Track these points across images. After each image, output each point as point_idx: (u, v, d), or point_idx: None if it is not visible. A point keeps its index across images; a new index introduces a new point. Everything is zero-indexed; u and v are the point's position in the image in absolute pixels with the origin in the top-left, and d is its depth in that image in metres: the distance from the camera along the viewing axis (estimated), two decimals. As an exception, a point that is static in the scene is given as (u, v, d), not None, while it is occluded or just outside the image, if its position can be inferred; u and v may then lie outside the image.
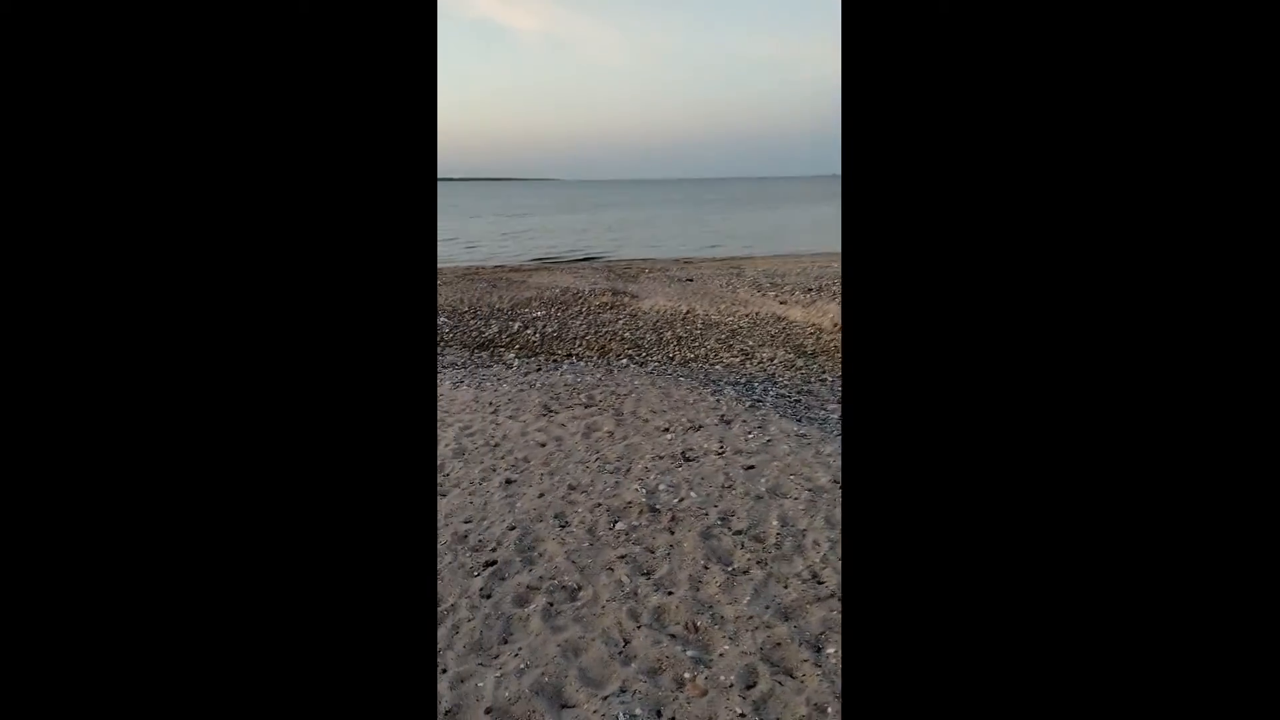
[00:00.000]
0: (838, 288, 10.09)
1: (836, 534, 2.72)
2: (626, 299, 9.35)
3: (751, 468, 3.36)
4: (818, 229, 25.01)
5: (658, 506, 2.94)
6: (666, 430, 3.93)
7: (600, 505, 2.96)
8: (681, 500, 2.99)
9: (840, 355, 8.06)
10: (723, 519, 2.84)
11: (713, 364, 7.14)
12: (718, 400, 4.62)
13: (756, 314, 9.19)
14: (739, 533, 2.72)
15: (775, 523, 2.80)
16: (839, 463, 3.52)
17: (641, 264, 13.72)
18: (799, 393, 6.20)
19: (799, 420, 4.52)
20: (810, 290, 9.98)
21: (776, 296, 9.73)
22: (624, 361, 6.55)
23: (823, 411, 5.46)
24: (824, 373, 7.31)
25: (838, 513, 2.90)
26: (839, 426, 4.62)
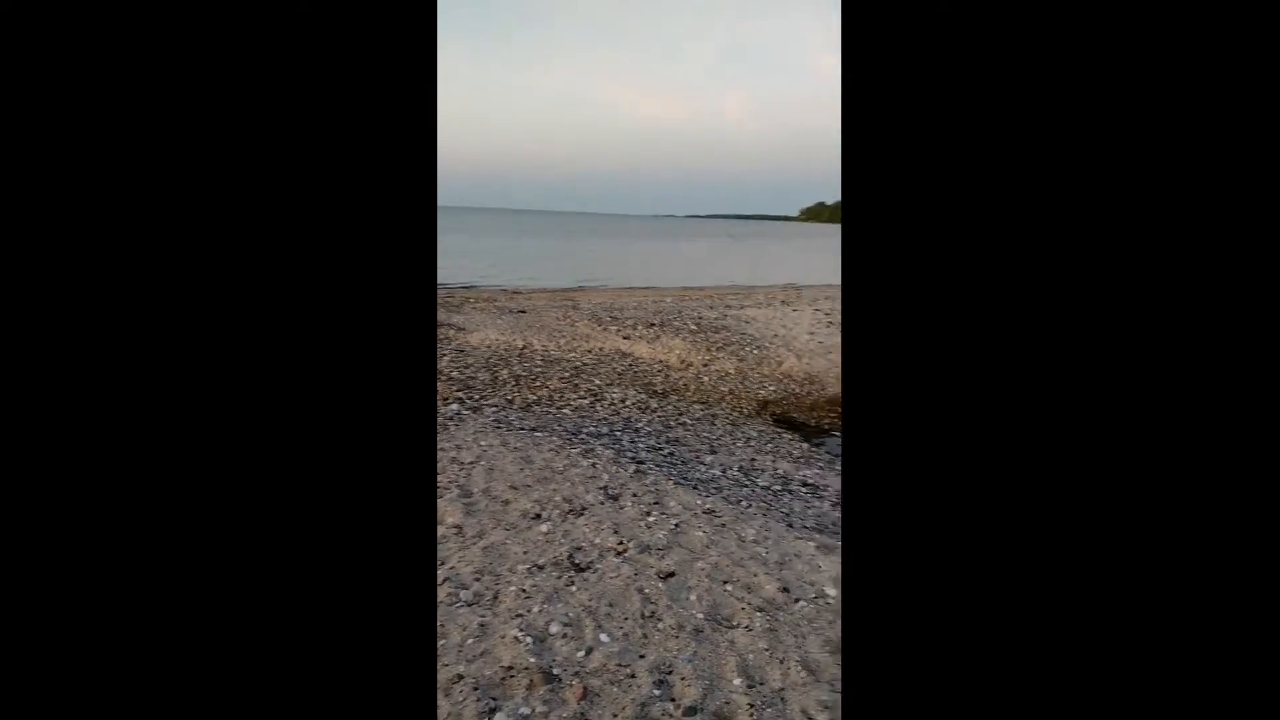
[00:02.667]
0: (680, 323, 9.63)
1: (829, 695, 1.85)
2: (452, 332, 8.03)
3: (671, 575, 2.41)
4: (653, 264, 25.17)
5: (555, 669, 1.86)
6: (538, 517, 2.84)
7: (462, 677, 1.80)
8: (589, 651, 1.94)
9: (690, 394, 7.50)
10: (660, 682, 1.83)
11: (560, 406, 6.16)
12: (593, 465, 3.62)
13: (600, 349, 8.38)
14: (693, 711, 1.74)
15: (737, 680, 1.86)
16: (774, 555, 2.70)
17: (465, 293, 12.31)
18: (668, 442, 5.40)
19: (694, 487, 3.67)
20: (652, 325, 9.39)
21: (619, 331, 9.00)
22: (454, 406, 5.31)
23: (701, 465, 4.70)
24: (681, 415, 6.65)
25: (810, 648, 2.05)
26: (740, 493, 3.85)
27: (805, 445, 6.03)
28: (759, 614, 2.20)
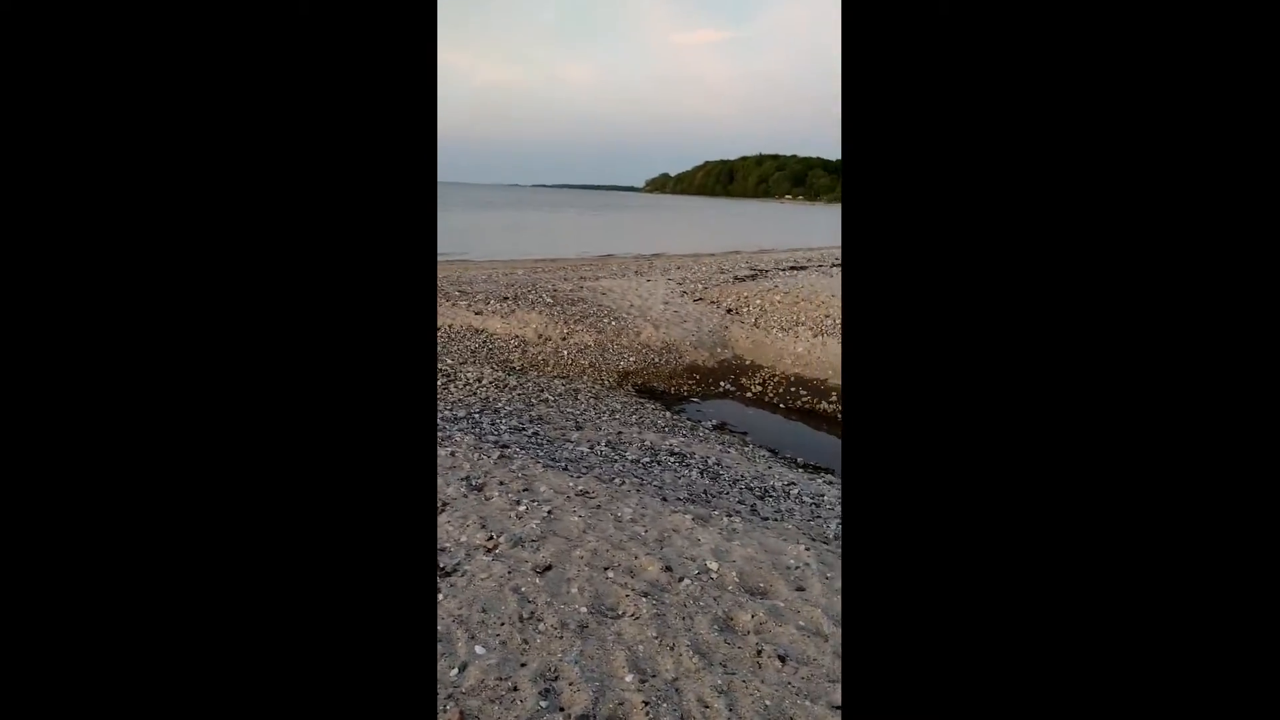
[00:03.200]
0: (535, 296, 9.32)
1: (722, 679, 1.78)
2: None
3: (549, 569, 2.23)
4: (502, 235, 24.12)
5: (425, 695, 1.63)
6: (392, 519, 2.53)
7: None
8: (464, 668, 1.73)
9: (550, 369, 7.29)
10: (546, 691, 1.67)
11: (409, 392, 5.69)
12: (452, 454, 3.32)
13: (450, 326, 7.90)
14: (585, 719, 1.60)
15: (629, 676, 1.74)
16: (652, 533, 2.62)
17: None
18: (531, 421, 5.17)
19: (564, 468, 3.50)
20: (506, 299, 9.00)
21: (470, 306, 8.52)
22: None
23: (568, 444, 4.53)
24: (542, 391, 6.43)
25: (699, 629, 1.98)
26: (611, 469, 3.74)
27: (668, 414, 6.07)
28: (644, 599, 2.09)
